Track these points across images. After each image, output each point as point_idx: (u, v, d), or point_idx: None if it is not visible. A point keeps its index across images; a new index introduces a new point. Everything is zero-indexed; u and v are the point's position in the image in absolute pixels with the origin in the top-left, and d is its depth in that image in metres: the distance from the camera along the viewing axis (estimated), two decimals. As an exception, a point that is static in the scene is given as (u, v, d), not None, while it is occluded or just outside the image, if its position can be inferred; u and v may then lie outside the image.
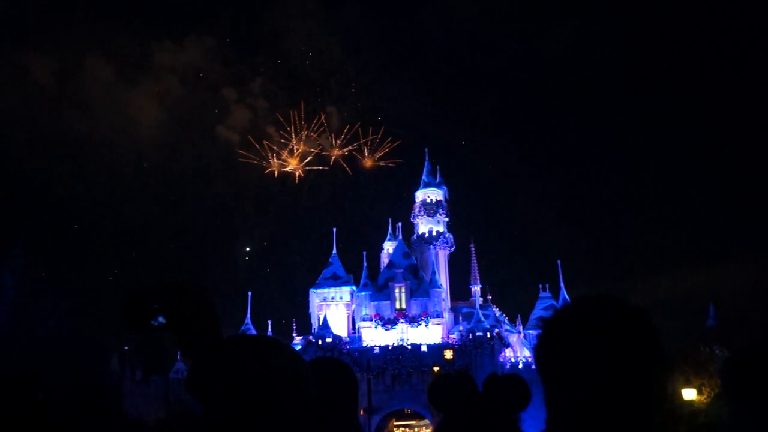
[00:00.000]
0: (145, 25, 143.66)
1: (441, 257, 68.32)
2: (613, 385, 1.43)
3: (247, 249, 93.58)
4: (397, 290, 62.03)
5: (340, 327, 62.27)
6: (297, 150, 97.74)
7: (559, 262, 66.21)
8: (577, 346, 1.46)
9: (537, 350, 1.57)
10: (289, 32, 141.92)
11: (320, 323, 60.75)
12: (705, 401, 32.82)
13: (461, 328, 59.29)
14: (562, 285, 65.48)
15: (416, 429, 59.34)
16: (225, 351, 1.51)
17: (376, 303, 61.61)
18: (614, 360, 1.44)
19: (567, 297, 63.92)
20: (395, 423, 59.55)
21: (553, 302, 65.14)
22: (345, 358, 49.93)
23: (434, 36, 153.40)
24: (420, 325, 60.18)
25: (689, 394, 31.41)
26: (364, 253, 65.60)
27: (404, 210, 73.96)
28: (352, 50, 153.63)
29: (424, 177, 73.17)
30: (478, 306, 61.62)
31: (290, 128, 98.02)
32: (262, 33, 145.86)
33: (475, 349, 56.24)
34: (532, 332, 63.51)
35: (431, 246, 67.72)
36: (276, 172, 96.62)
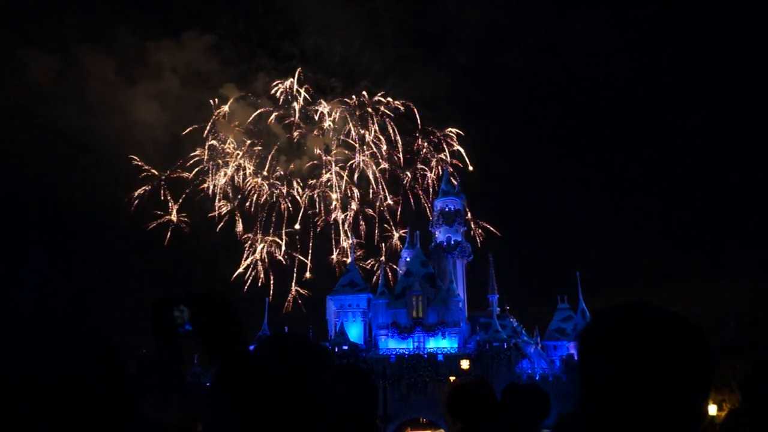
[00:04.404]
0: (144, 22, 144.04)
1: (459, 266, 68.08)
2: (657, 396, 1.37)
3: (263, 255, 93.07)
4: (414, 299, 61.87)
5: (356, 334, 62.23)
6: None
7: (578, 273, 65.70)
8: (625, 352, 1.40)
9: (581, 353, 1.49)
10: (304, 24, 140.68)
11: (337, 330, 60.76)
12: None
13: (478, 338, 58.98)
14: (580, 296, 64.89)
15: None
16: (252, 359, 1.54)
17: (393, 311, 61.49)
18: (662, 370, 1.37)
19: (585, 308, 63.32)
20: (410, 432, 59.31)
21: (572, 314, 64.61)
22: (361, 366, 49.76)
23: (456, 29, 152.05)
24: (437, 334, 59.95)
25: (710, 409, 30.97)
26: (382, 260, 65.58)
27: (423, 218, 73.96)
28: (371, 42, 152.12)
29: (443, 186, 73.04)
30: (495, 316, 61.25)
31: (289, 135, 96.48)
32: (273, 27, 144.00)
33: (492, 360, 55.91)
34: (550, 343, 63.05)
35: (449, 255, 67.50)
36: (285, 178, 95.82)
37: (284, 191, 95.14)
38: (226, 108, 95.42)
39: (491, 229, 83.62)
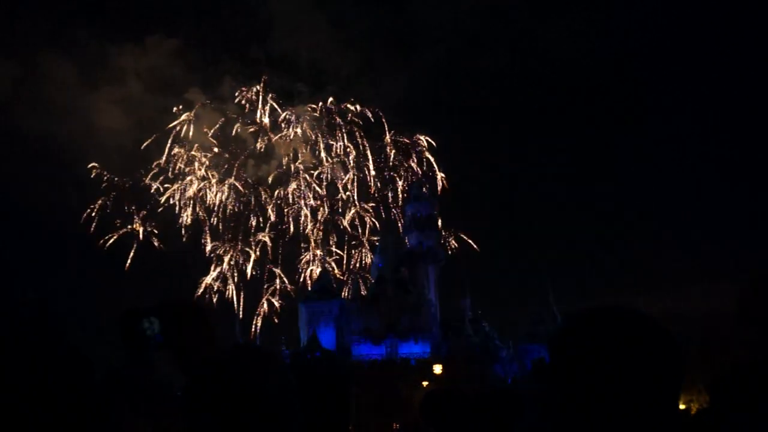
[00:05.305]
0: (106, 25, 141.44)
1: (431, 271, 68.28)
2: (627, 398, 1.38)
3: (235, 263, 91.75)
4: (386, 304, 61.90)
5: (328, 341, 62.03)
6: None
7: (550, 278, 66.43)
8: (595, 357, 1.41)
9: (552, 356, 1.50)
10: (272, 27, 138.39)
11: (309, 337, 60.50)
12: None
13: (451, 342, 59.18)
14: (553, 300, 65.52)
15: (405, 444, 58.97)
16: (220, 368, 1.53)
17: (365, 317, 61.43)
18: (632, 372, 1.38)
19: (557, 313, 63.92)
20: (383, 438, 59.17)
21: (544, 318, 65.15)
22: (333, 372, 49.67)
23: (427, 30, 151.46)
24: (409, 339, 60.02)
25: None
26: (353, 267, 65.57)
27: (394, 225, 74.01)
28: (341, 45, 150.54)
29: (414, 191, 73.25)
30: (468, 321, 61.53)
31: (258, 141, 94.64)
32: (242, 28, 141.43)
33: (465, 364, 56.13)
34: (523, 347, 63.50)
35: (421, 260, 67.67)
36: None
37: (252, 200, 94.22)
38: (191, 114, 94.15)
39: (463, 236, 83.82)
